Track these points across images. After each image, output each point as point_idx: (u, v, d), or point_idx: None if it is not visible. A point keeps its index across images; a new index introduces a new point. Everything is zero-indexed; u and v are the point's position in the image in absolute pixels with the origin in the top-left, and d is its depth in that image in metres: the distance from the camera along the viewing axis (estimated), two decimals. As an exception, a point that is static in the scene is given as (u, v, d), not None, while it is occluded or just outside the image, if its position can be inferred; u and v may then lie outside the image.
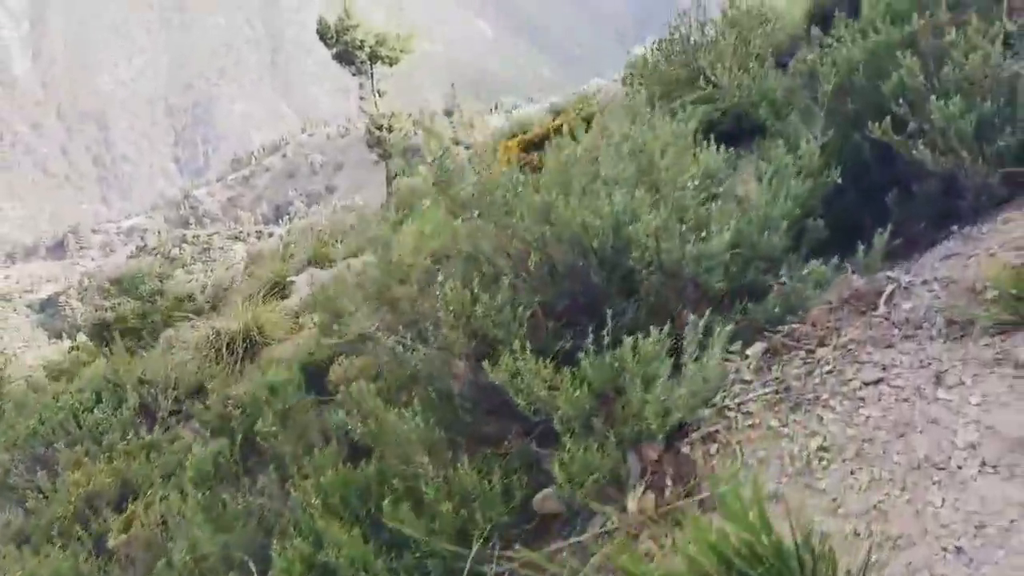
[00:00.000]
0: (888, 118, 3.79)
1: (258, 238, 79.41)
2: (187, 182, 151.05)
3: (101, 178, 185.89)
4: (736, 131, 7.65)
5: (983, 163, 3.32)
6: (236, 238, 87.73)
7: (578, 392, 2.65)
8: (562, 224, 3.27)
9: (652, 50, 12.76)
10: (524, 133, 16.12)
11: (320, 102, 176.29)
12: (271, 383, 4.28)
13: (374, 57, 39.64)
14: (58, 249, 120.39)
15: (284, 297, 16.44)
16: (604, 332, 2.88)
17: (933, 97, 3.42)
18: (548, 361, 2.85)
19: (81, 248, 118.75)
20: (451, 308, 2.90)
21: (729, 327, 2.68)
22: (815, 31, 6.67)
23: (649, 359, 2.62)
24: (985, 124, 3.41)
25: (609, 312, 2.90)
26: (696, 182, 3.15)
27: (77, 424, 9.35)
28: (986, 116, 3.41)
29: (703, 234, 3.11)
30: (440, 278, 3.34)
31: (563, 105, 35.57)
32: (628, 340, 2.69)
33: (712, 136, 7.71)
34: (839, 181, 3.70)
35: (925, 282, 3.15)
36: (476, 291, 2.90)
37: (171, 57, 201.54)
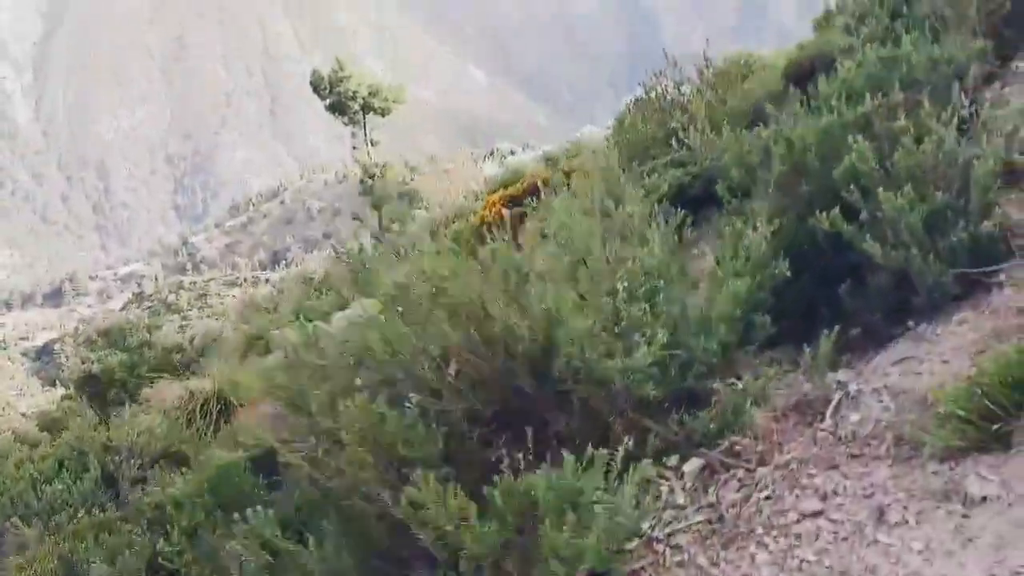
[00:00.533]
0: (841, 204, 3.61)
1: (255, 284, 79.30)
2: (186, 229, 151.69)
3: (100, 226, 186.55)
4: (706, 195, 7.47)
5: (935, 260, 3.12)
6: (233, 284, 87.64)
7: (487, 527, 2.41)
8: (488, 325, 3.06)
9: (628, 108, 12.68)
10: (506, 188, 16.02)
11: (319, 150, 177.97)
12: (175, 497, 4.01)
13: (367, 108, 39.98)
14: (55, 296, 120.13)
15: (268, 352, 16.07)
16: (521, 453, 2.65)
17: (881, 189, 3.24)
18: (461, 487, 2.60)
19: (78, 295, 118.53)
20: (356, 426, 2.67)
21: (646, 462, 2.45)
22: (769, 108, 6.61)
23: (562, 491, 2.38)
24: (937, 217, 3.22)
25: (530, 431, 2.68)
26: (625, 283, 2.93)
27: (37, 496, 9.01)
28: (938, 208, 3.22)
29: (636, 338, 2.89)
30: (359, 382, 3.12)
31: (556, 152, 35.77)
32: (544, 468, 2.45)
33: (681, 202, 7.46)
34: (788, 274, 3.50)
35: (875, 390, 2.93)
36: (382, 410, 2.66)
37: (172, 106, 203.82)
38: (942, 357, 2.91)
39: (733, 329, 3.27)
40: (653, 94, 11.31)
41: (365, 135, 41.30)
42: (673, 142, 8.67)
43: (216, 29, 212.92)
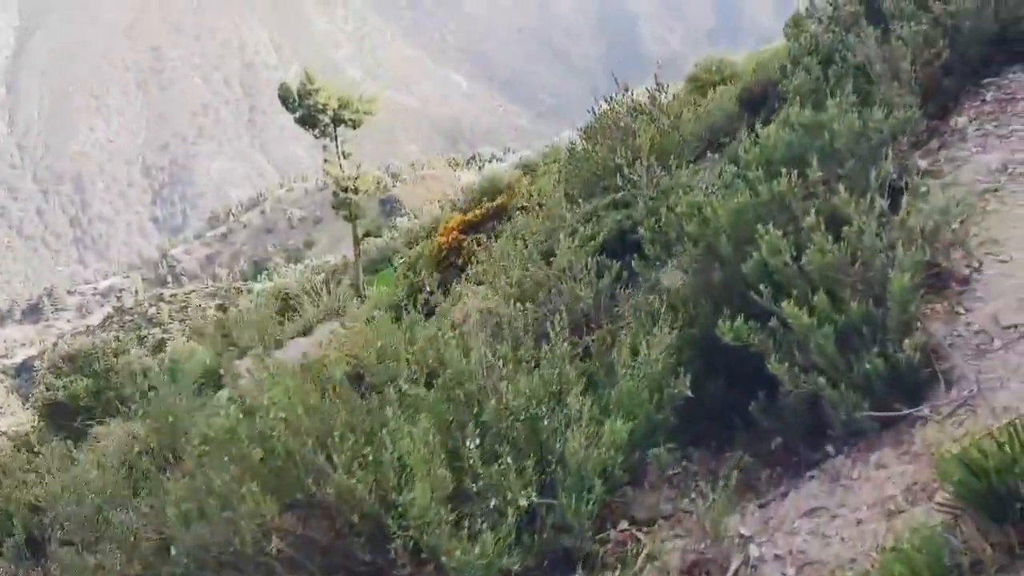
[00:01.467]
0: (763, 294, 3.15)
1: (237, 294, 78.20)
2: (165, 241, 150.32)
3: (77, 239, 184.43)
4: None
5: (848, 389, 2.67)
6: (214, 296, 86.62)
7: None
8: (325, 485, 2.58)
9: (580, 136, 12.17)
10: (465, 214, 15.54)
11: (299, 159, 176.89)
12: None
13: (337, 120, 39.35)
14: (34, 312, 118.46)
15: (220, 387, 15.31)
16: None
17: (787, 302, 2.78)
18: None
19: (57, 310, 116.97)
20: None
21: None
22: (712, 155, 6.17)
23: None
24: (851, 332, 2.77)
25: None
26: (477, 442, 2.46)
27: (-42, 563, 8.46)
28: (853, 322, 2.77)
29: (493, 502, 2.42)
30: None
31: (533, 158, 35.36)
32: None
33: (622, 249, 6.91)
34: (689, 393, 3.05)
35: (779, 557, 2.46)
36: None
37: (148, 117, 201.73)
38: (856, 514, 2.46)
39: (625, 467, 2.81)
40: (605, 121, 10.86)
41: (337, 148, 40.73)
42: (618, 179, 8.27)
43: (192, 39, 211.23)
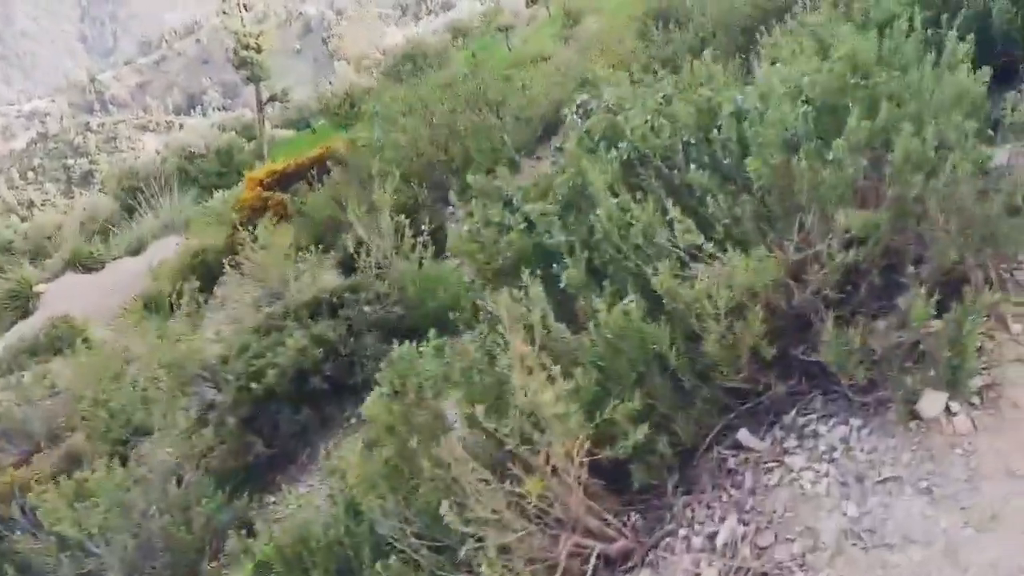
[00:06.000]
0: None
1: (168, 129, 75.15)
2: (94, 64, 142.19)
3: (1, 56, 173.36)
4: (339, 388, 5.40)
5: None
6: (144, 128, 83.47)
7: None
8: None
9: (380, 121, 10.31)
10: (273, 173, 13.99)
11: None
12: None
13: (233, -40, 36.57)
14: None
15: (25, 315, 13.56)
16: None
17: None
18: None
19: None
20: None
21: None
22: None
23: None
24: None
25: None
26: None
27: None
28: None
29: None
30: None
31: (465, 24, 33.18)
32: None
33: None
34: None
35: None
36: None
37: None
38: None
39: None
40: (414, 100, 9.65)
41: (237, -4, 38.09)
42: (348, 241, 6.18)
43: None
